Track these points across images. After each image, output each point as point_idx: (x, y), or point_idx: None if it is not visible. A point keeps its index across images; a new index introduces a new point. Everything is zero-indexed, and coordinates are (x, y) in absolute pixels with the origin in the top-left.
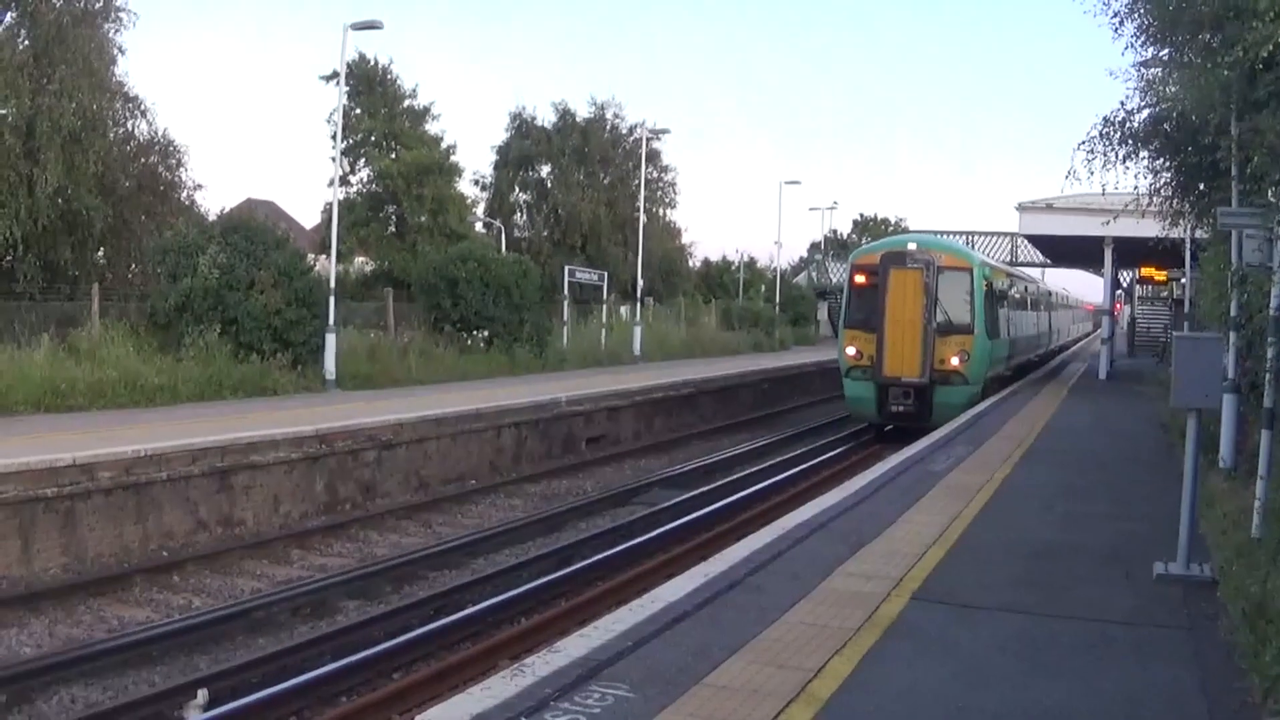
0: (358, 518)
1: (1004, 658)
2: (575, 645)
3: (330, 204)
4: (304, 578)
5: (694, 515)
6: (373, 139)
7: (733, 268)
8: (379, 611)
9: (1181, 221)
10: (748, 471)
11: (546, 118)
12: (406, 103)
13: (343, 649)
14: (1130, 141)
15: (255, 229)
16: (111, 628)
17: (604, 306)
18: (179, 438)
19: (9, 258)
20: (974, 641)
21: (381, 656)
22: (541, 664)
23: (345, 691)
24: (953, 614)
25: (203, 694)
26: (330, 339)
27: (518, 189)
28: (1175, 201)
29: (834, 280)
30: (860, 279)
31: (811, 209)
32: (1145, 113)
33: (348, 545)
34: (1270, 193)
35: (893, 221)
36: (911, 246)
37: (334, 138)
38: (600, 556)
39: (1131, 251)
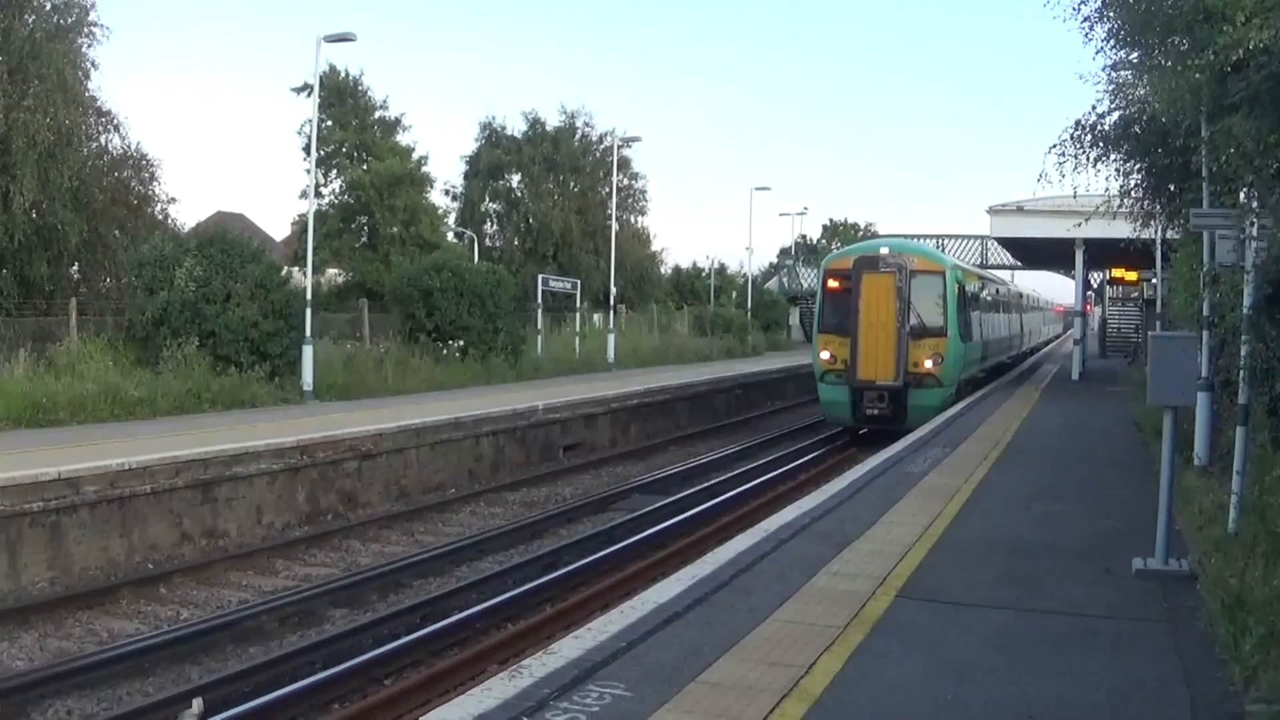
0: (340, 528)
1: (989, 652)
2: (570, 647)
3: (302, 215)
4: (290, 588)
5: (674, 520)
6: (344, 150)
7: (704, 274)
8: (367, 620)
9: (1153, 222)
10: (726, 476)
11: (516, 127)
12: (378, 114)
13: (333, 657)
14: (1101, 144)
15: (231, 242)
16: (102, 640)
17: (577, 314)
18: (161, 451)
19: None
20: (959, 637)
21: (372, 664)
22: (538, 665)
23: (337, 699)
24: (937, 611)
25: (198, 703)
26: (307, 350)
27: (489, 198)
28: (1146, 203)
29: (805, 285)
30: (833, 284)
31: (782, 214)
32: (1116, 115)
33: (331, 555)
34: (1242, 194)
35: (863, 226)
36: (884, 251)
37: (306, 149)
38: (583, 562)
39: (1102, 253)
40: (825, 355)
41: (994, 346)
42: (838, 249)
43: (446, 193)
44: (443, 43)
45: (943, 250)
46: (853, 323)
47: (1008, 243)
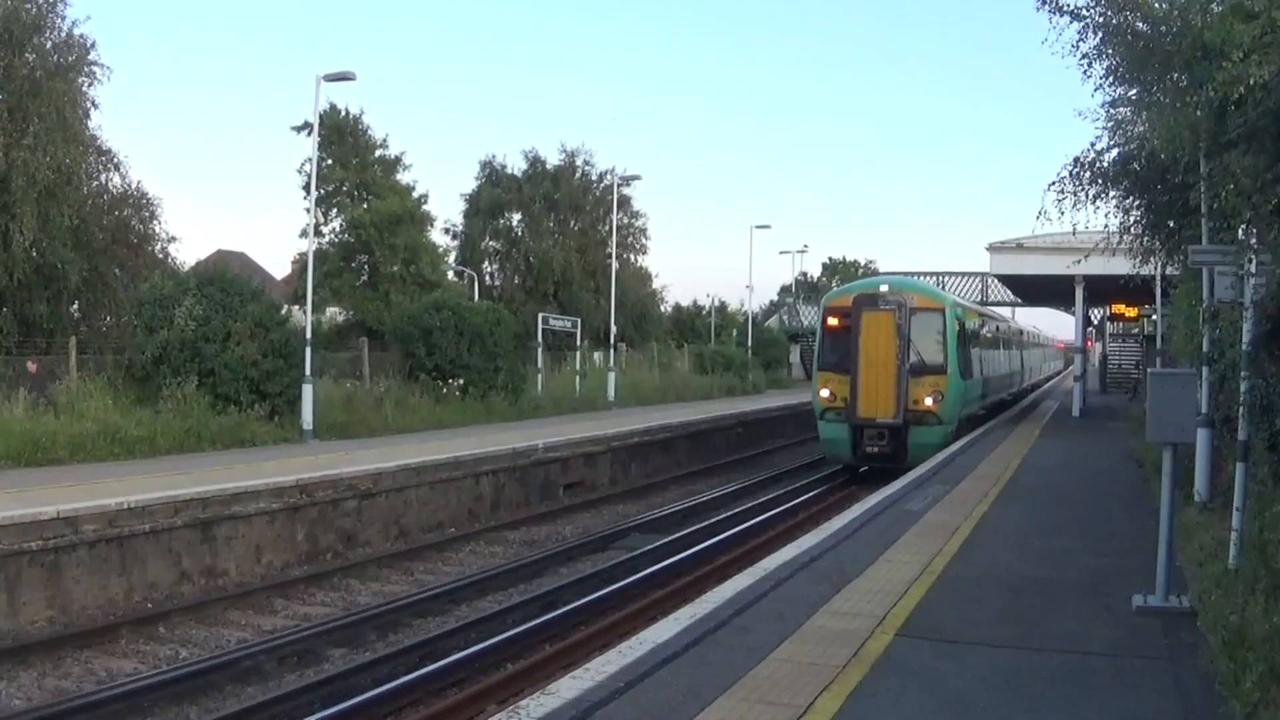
0: (339, 567)
1: (989, 691)
2: (568, 687)
3: (302, 254)
4: (289, 627)
5: (674, 559)
6: (345, 189)
7: (704, 312)
8: (366, 659)
9: (1152, 259)
10: (725, 515)
11: (516, 165)
12: (378, 152)
13: (331, 697)
14: (1100, 181)
15: (231, 281)
16: (100, 679)
17: (577, 353)
18: (161, 490)
19: None
20: (959, 676)
21: (370, 704)
22: (536, 705)
23: None
24: (937, 649)
25: None
26: (307, 389)
27: (489, 237)
28: (1146, 239)
29: (805, 323)
30: (833, 321)
31: (782, 252)
32: (1115, 152)
33: (331, 594)
34: (1240, 230)
35: (863, 263)
36: (884, 288)
37: (306, 188)
38: (583, 601)
39: (1102, 289)
40: (825, 393)
41: (994, 384)
42: (838, 287)
43: (447, 231)
44: (442, 82)
45: (943, 288)
46: (853, 360)
47: (1008, 280)
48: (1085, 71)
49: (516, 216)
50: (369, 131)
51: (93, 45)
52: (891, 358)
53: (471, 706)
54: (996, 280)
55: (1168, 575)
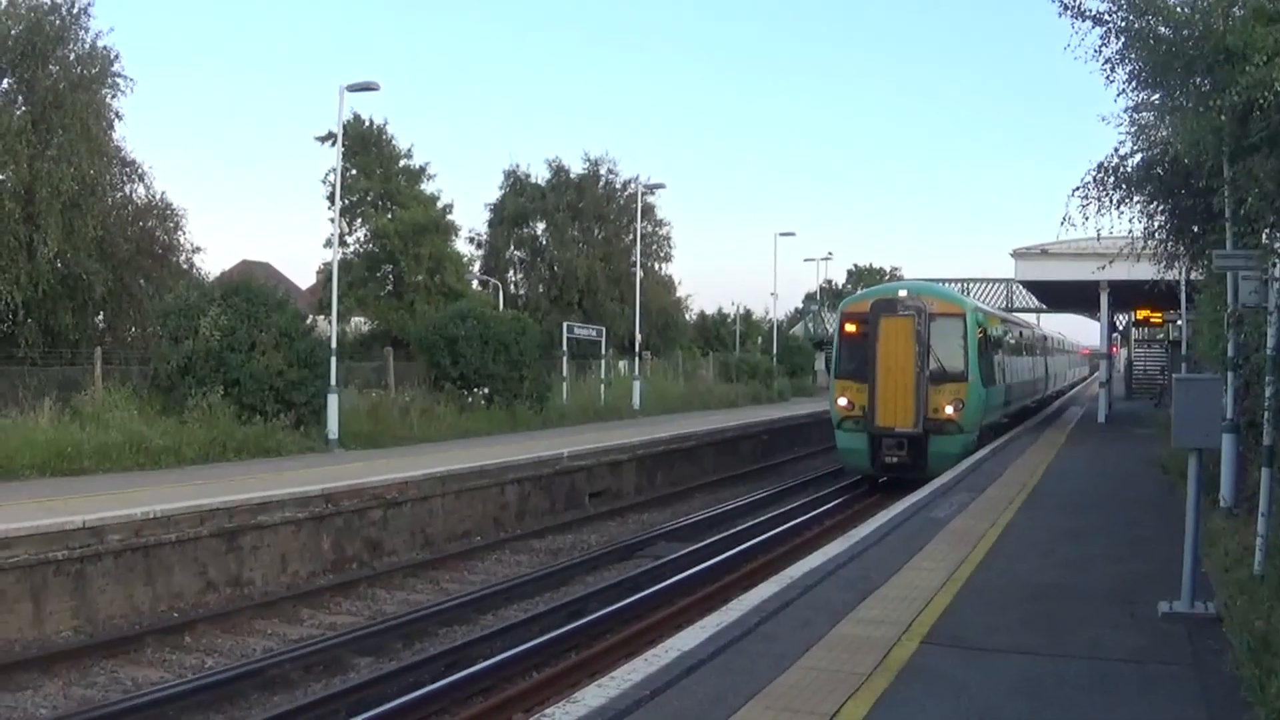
0: (365, 576)
1: (1015, 698)
2: (593, 695)
3: (327, 264)
4: (315, 636)
5: (700, 567)
6: (369, 199)
7: (729, 320)
8: (391, 668)
9: (1177, 264)
10: (751, 523)
11: (540, 174)
12: (402, 162)
13: (357, 706)
14: (1124, 186)
15: (256, 291)
16: (126, 688)
17: (602, 361)
18: (186, 499)
19: (9, 323)
20: (985, 683)
21: (396, 712)
22: (562, 714)
23: None
24: (963, 656)
25: None
26: (332, 399)
27: (513, 246)
28: (1170, 244)
29: (830, 330)
30: (850, 328)
31: (806, 260)
32: (1138, 157)
33: (356, 603)
34: (1265, 235)
35: (888, 271)
36: (902, 294)
37: (331, 198)
38: (609, 610)
39: (1127, 295)
40: (843, 401)
41: (1018, 390)
42: (858, 292)
43: (471, 240)
44: (466, 91)
45: (967, 294)
46: (871, 368)
47: (1032, 286)
48: (1108, 76)
49: (541, 225)
50: (393, 141)
51: (116, 57)
52: (910, 365)
53: (497, 715)
54: (1021, 286)
55: (1193, 581)
